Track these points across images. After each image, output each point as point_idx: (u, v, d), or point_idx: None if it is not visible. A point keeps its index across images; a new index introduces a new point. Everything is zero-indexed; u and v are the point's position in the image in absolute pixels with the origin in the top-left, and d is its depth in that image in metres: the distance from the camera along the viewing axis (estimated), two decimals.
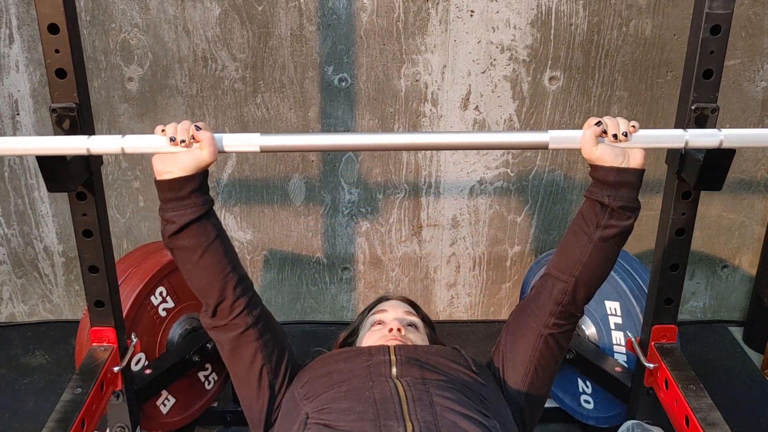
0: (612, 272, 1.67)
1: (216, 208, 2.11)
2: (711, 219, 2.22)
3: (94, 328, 1.46)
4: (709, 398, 1.34)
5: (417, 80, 2.01)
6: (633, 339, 1.58)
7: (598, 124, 1.10)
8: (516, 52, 1.99)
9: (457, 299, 2.34)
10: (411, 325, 1.37)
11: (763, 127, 2.10)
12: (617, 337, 1.73)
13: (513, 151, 2.11)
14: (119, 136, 1.14)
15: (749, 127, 2.08)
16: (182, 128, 1.10)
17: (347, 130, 2.07)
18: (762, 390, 2.02)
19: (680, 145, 1.15)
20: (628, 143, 1.10)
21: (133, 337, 1.55)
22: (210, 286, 1.13)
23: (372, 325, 1.38)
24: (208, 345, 1.73)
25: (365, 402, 1.04)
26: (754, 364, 2.14)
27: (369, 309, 1.48)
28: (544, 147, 1.14)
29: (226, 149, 1.15)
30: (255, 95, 2.02)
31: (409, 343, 1.28)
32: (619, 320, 1.71)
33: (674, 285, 1.46)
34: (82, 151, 1.15)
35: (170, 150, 1.10)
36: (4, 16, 1.93)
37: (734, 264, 2.30)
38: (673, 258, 1.43)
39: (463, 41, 1.97)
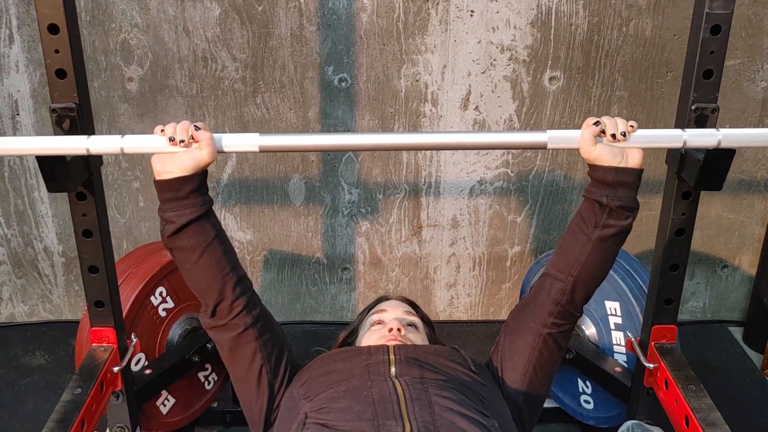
0: (612, 272, 1.69)
1: (216, 208, 2.13)
2: (711, 219, 2.22)
3: (94, 329, 1.46)
4: (709, 398, 1.34)
5: (417, 80, 2.01)
6: (633, 339, 1.58)
7: (597, 123, 1.10)
8: (516, 52, 1.99)
9: (457, 299, 2.34)
10: (410, 324, 1.37)
11: (763, 127, 2.10)
12: (617, 337, 1.73)
13: (513, 151, 2.11)
14: (119, 136, 1.14)
15: (749, 127, 2.08)
16: (181, 128, 1.10)
17: (347, 130, 2.07)
18: (762, 390, 2.02)
19: (678, 144, 1.15)
20: (627, 143, 1.10)
21: (132, 337, 1.55)
22: (209, 286, 1.13)
23: (371, 325, 1.38)
24: (207, 345, 1.73)
25: (364, 401, 1.04)
26: (754, 364, 2.14)
27: (368, 309, 1.48)
28: (542, 147, 1.15)
29: (226, 149, 1.15)
30: (255, 95, 2.02)
31: (409, 343, 1.28)
32: (619, 320, 1.71)
33: (674, 285, 1.46)
34: (82, 151, 1.15)
35: (169, 150, 1.10)
36: (4, 16, 1.93)
37: (734, 264, 2.30)
38: (673, 258, 1.43)
39: (463, 41, 1.97)
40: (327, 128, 2.06)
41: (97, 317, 1.45)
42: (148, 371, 1.63)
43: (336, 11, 1.93)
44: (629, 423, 1.44)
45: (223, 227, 1.18)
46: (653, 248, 1.49)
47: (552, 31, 1.96)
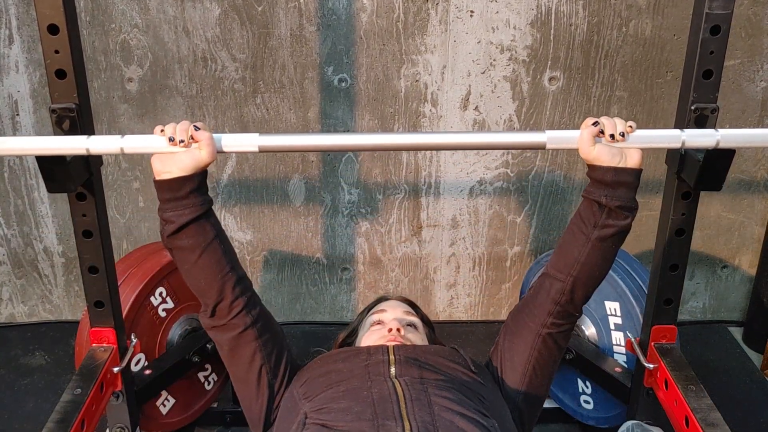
0: (612, 272, 1.69)
1: (216, 208, 2.13)
2: (711, 219, 2.22)
3: (93, 329, 1.46)
4: (709, 398, 1.34)
5: (417, 80, 2.01)
6: (633, 339, 1.58)
7: (596, 124, 1.11)
8: (516, 52, 1.99)
9: (456, 299, 2.34)
10: (410, 325, 1.37)
11: (762, 127, 2.10)
12: (617, 337, 1.73)
13: (513, 151, 2.11)
14: (119, 137, 1.14)
15: (749, 128, 2.08)
16: (181, 128, 1.10)
17: (347, 130, 2.07)
18: (762, 390, 2.02)
19: (677, 145, 1.15)
20: (626, 143, 1.10)
21: (132, 337, 1.55)
22: (209, 286, 1.13)
23: (371, 325, 1.38)
24: (207, 345, 1.73)
25: (363, 402, 1.04)
26: (754, 364, 2.14)
27: (368, 309, 1.48)
28: (541, 147, 1.15)
29: (225, 149, 1.15)
30: (255, 96, 2.02)
31: (408, 343, 1.28)
32: (618, 320, 1.71)
33: (674, 285, 1.46)
34: (82, 152, 1.15)
35: (169, 150, 1.10)
36: (4, 17, 1.93)
37: (734, 264, 2.30)
38: (672, 258, 1.43)
39: (463, 41, 1.97)
40: (327, 128, 2.06)
41: (97, 317, 1.45)
42: (148, 371, 1.63)
43: (336, 11, 1.93)
44: (629, 423, 1.44)
45: (223, 227, 1.18)
46: (653, 248, 1.49)
47: (552, 31, 1.96)
